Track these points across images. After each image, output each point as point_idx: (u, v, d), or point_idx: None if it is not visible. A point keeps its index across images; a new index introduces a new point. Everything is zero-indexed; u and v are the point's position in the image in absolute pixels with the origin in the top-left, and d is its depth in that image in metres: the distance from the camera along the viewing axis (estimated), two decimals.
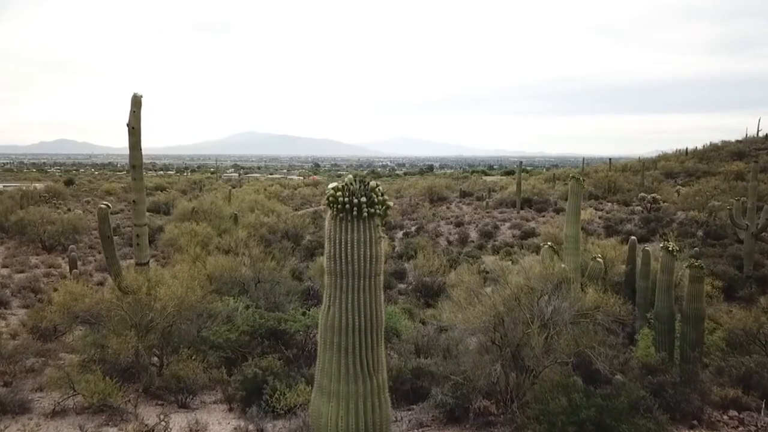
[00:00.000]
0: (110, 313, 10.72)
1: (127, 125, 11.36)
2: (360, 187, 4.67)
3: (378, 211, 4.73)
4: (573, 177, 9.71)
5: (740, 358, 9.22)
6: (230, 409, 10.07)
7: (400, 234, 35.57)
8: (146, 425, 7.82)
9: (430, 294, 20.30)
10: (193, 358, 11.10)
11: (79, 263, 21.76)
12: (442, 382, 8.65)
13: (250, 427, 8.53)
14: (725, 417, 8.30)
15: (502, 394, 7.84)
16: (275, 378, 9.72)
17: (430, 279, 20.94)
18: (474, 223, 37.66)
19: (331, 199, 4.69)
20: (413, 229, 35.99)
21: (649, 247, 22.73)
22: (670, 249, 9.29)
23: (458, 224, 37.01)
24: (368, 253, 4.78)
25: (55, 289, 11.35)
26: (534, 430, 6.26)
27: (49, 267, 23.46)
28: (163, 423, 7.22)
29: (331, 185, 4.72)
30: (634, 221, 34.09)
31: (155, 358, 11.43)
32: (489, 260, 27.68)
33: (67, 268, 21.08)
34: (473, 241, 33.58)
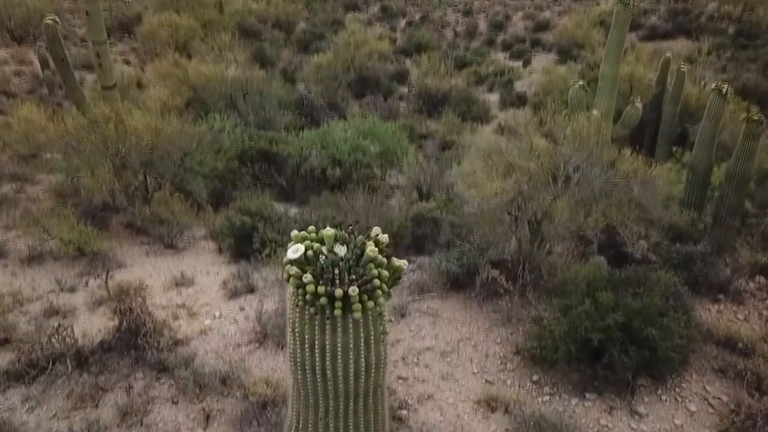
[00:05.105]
0: (80, 146, 9.56)
1: None
2: (347, 262, 2.50)
3: (384, 292, 2.58)
4: (621, 0, 7.83)
5: None
6: (219, 251, 9.48)
7: (402, 23, 32.69)
8: (125, 290, 7.21)
9: (433, 102, 18.83)
10: (177, 194, 10.25)
11: (50, 61, 19.89)
12: (446, 244, 7.89)
13: (239, 284, 7.97)
14: (751, 285, 7.68)
15: (514, 264, 7.09)
16: (266, 224, 8.95)
17: (433, 84, 19.26)
18: (484, 11, 34.46)
19: (294, 283, 2.63)
20: (417, 17, 32.98)
21: (673, 47, 20.80)
22: (723, 92, 7.86)
23: (467, 13, 33.87)
24: (363, 363, 2.65)
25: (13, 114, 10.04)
26: (552, 329, 5.57)
27: (20, 63, 21.54)
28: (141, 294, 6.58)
29: (291, 251, 2.53)
30: (659, 13, 31.06)
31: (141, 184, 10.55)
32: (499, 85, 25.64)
33: (38, 65, 19.37)
34: (482, 34, 30.94)
